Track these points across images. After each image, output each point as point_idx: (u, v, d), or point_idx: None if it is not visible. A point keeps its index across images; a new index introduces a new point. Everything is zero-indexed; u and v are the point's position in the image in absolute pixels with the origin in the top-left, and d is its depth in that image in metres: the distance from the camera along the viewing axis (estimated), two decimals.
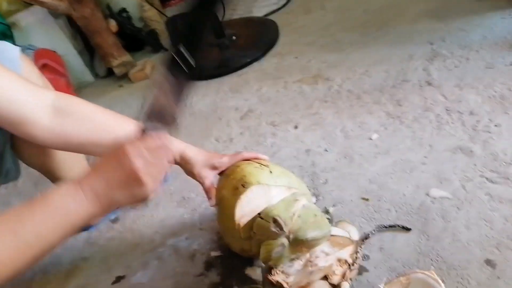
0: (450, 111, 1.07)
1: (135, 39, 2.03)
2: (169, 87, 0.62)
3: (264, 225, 0.73)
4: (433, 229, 0.82)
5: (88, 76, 2.03)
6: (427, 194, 0.89)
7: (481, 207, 0.83)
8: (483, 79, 1.13)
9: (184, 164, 0.86)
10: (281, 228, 0.71)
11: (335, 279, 0.73)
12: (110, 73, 1.97)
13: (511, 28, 1.28)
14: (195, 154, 0.85)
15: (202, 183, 0.87)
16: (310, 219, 0.74)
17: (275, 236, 0.72)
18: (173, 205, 1.10)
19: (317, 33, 1.68)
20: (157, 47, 2.03)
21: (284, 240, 0.72)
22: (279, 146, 1.18)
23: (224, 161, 0.86)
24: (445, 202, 0.86)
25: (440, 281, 0.65)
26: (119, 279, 0.95)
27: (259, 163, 0.84)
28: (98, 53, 1.90)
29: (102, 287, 0.95)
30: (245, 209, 0.76)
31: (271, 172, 0.81)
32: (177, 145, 0.84)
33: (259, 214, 0.75)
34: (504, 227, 0.78)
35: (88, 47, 2.01)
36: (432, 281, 0.65)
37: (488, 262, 0.74)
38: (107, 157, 0.58)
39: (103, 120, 0.80)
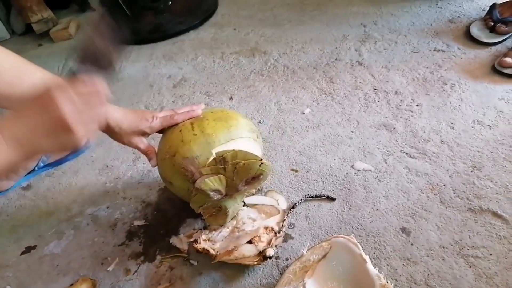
0: (377, 90, 1.12)
1: None
2: (107, 28, 0.55)
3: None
4: (355, 199, 0.85)
5: (2, 32, 1.80)
6: (352, 167, 0.92)
7: (400, 180, 0.88)
8: (409, 62, 1.19)
9: (108, 133, 0.76)
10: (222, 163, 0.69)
11: (261, 246, 0.73)
12: (28, 30, 1.76)
13: (436, 17, 1.36)
14: (120, 120, 0.74)
15: (137, 149, 0.79)
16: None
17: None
18: (95, 173, 1.02)
19: (256, 7, 1.65)
20: (83, 7, 1.86)
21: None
22: None
23: (155, 126, 0.77)
24: (367, 174, 0.90)
25: (359, 245, 0.68)
26: (29, 249, 0.87)
27: (225, 120, 0.76)
28: (15, 6, 1.69)
29: (9, 258, 0.86)
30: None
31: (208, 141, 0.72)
32: None
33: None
34: (419, 198, 0.83)
35: (4, 0, 1.78)
36: (352, 245, 0.68)
37: (403, 230, 0.79)
38: (32, 101, 0.50)
39: (10, 67, 0.68)
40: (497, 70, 1.08)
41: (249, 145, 0.74)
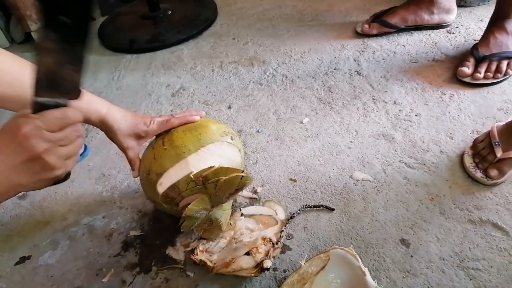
0: (376, 100, 1.12)
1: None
2: (55, 46, 0.47)
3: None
4: (354, 210, 0.84)
5: (2, 40, 1.80)
6: (351, 177, 0.92)
7: (399, 190, 0.87)
8: (408, 72, 1.19)
9: (105, 131, 0.76)
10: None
11: (258, 257, 0.72)
12: (28, 38, 1.76)
13: (435, 27, 1.36)
14: (118, 120, 0.74)
15: (125, 153, 0.78)
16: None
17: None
18: (91, 182, 1.01)
19: (255, 17, 1.66)
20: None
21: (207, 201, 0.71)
22: None
23: (151, 130, 0.76)
24: (366, 184, 0.89)
25: (358, 257, 0.67)
26: (23, 259, 0.86)
27: (194, 129, 0.75)
28: (14, 15, 1.70)
29: (3, 268, 0.84)
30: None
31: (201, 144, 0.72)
32: (99, 107, 0.73)
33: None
34: (418, 209, 0.83)
35: (4, 8, 1.78)
36: (350, 256, 0.67)
37: (403, 242, 0.78)
38: (3, 137, 0.48)
39: (9, 68, 0.66)
40: (459, 79, 1.11)
41: (222, 149, 0.74)
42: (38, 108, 0.48)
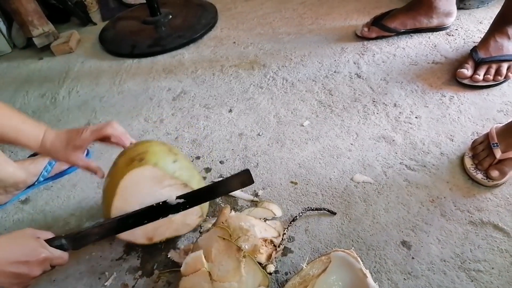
0: (376, 102, 1.12)
1: (60, 9, 1.86)
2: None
3: None
4: (355, 212, 0.85)
5: (4, 46, 1.81)
6: (352, 179, 0.92)
7: (400, 192, 0.87)
8: (408, 75, 1.20)
9: (46, 155, 0.79)
10: None
11: (260, 258, 0.72)
12: (29, 44, 1.78)
13: (434, 30, 1.36)
14: (53, 141, 0.76)
15: (76, 165, 0.80)
16: None
17: None
18: (93, 186, 1.02)
19: (256, 20, 1.67)
20: (84, 21, 1.88)
21: None
22: (212, 129, 1.14)
23: (84, 138, 0.77)
24: (367, 187, 0.90)
25: (359, 259, 0.67)
26: None
27: (168, 148, 0.80)
28: (16, 21, 1.71)
29: None
30: (130, 186, 0.73)
31: (174, 162, 0.76)
32: (36, 133, 0.75)
33: None
34: (419, 211, 0.83)
35: (6, 13, 1.80)
36: (352, 259, 0.67)
37: (404, 244, 0.78)
38: (22, 240, 0.64)
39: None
40: (458, 81, 1.12)
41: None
42: (51, 241, 0.67)
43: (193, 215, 0.82)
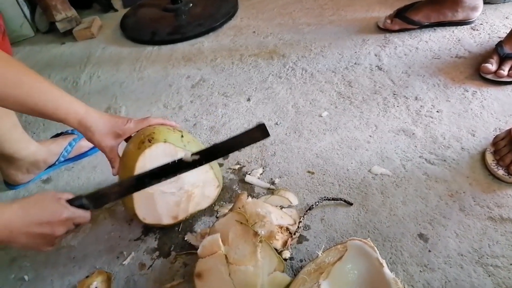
0: (396, 95, 1.11)
1: None
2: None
3: None
4: (372, 203, 0.84)
5: (27, 30, 1.85)
6: (369, 171, 0.92)
7: (418, 185, 0.87)
8: (430, 68, 1.18)
9: (83, 131, 0.76)
10: None
11: (276, 244, 0.73)
12: (52, 28, 1.81)
13: (459, 24, 1.34)
14: (96, 121, 0.75)
15: (104, 153, 0.79)
16: None
17: None
18: None
19: (276, 10, 1.66)
20: (106, 7, 1.90)
21: None
22: (230, 117, 1.15)
23: (128, 128, 0.78)
24: (385, 179, 0.89)
25: (376, 249, 0.67)
26: None
27: (171, 127, 0.81)
28: (40, 5, 1.74)
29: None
30: (147, 165, 0.73)
31: (182, 136, 0.79)
32: (77, 108, 0.73)
33: None
34: (438, 205, 0.82)
35: None
36: (368, 248, 0.67)
37: (421, 236, 0.77)
38: (45, 204, 0.63)
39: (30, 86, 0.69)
40: (482, 76, 1.09)
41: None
42: (72, 201, 0.66)
43: (211, 185, 0.84)
